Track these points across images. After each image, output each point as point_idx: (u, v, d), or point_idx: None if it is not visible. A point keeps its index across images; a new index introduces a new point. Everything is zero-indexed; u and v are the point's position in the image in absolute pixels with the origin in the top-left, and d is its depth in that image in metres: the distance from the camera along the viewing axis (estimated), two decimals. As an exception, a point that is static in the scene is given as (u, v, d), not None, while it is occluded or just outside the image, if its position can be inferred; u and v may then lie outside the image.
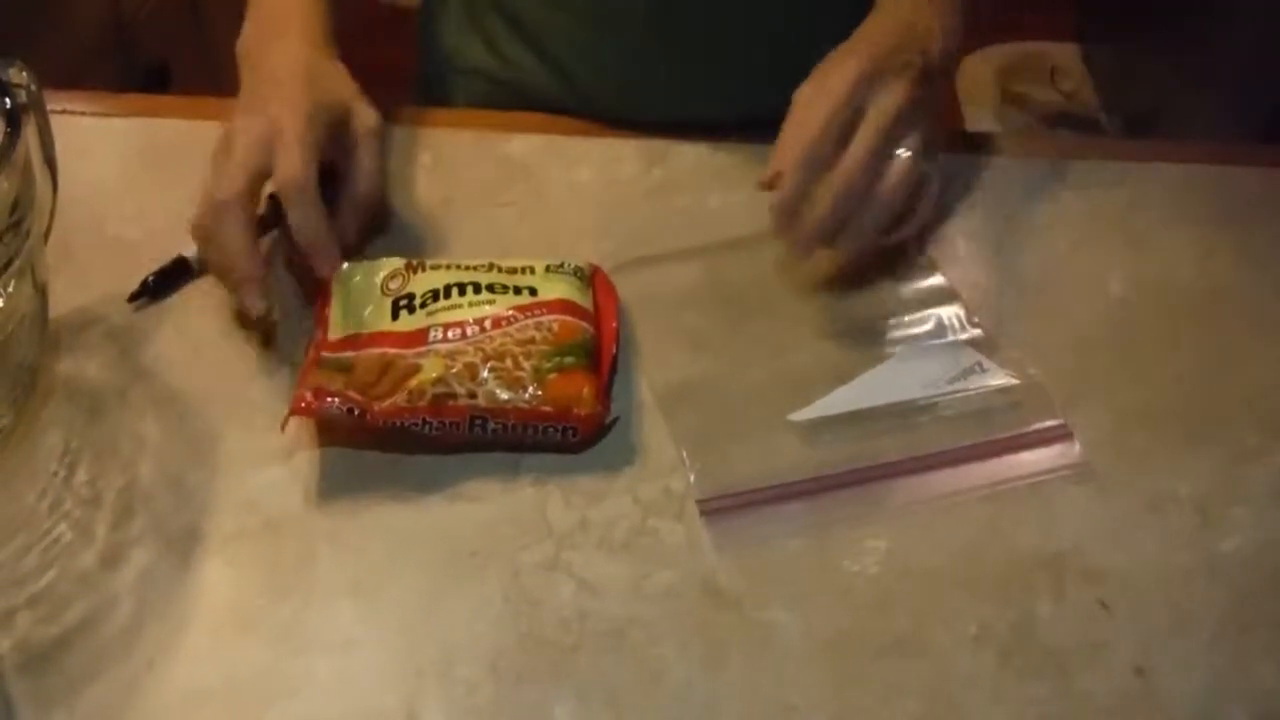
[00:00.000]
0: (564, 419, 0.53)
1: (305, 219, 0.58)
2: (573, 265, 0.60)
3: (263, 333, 0.59)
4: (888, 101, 0.58)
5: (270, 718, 0.45)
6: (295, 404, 0.52)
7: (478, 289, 0.57)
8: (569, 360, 0.55)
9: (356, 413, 0.52)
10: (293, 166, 0.57)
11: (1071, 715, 0.46)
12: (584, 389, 0.54)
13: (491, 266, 0.59)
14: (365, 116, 0.63)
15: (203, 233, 0.58)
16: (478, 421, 0.53)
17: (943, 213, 0.69)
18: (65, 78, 0.67)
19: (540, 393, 0.53)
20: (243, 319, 0.59)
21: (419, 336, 0.55)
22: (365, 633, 0.48)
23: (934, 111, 0.61)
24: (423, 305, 0.57)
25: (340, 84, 0.64)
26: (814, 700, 0.46)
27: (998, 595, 0.50)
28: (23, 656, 0.46)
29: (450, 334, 0.55)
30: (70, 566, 0.49)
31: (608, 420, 0.55)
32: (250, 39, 0.66)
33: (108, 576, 0.49)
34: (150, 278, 0.61)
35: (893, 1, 0.65)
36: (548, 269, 0.59)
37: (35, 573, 0.49)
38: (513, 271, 0.59)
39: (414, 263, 0.60)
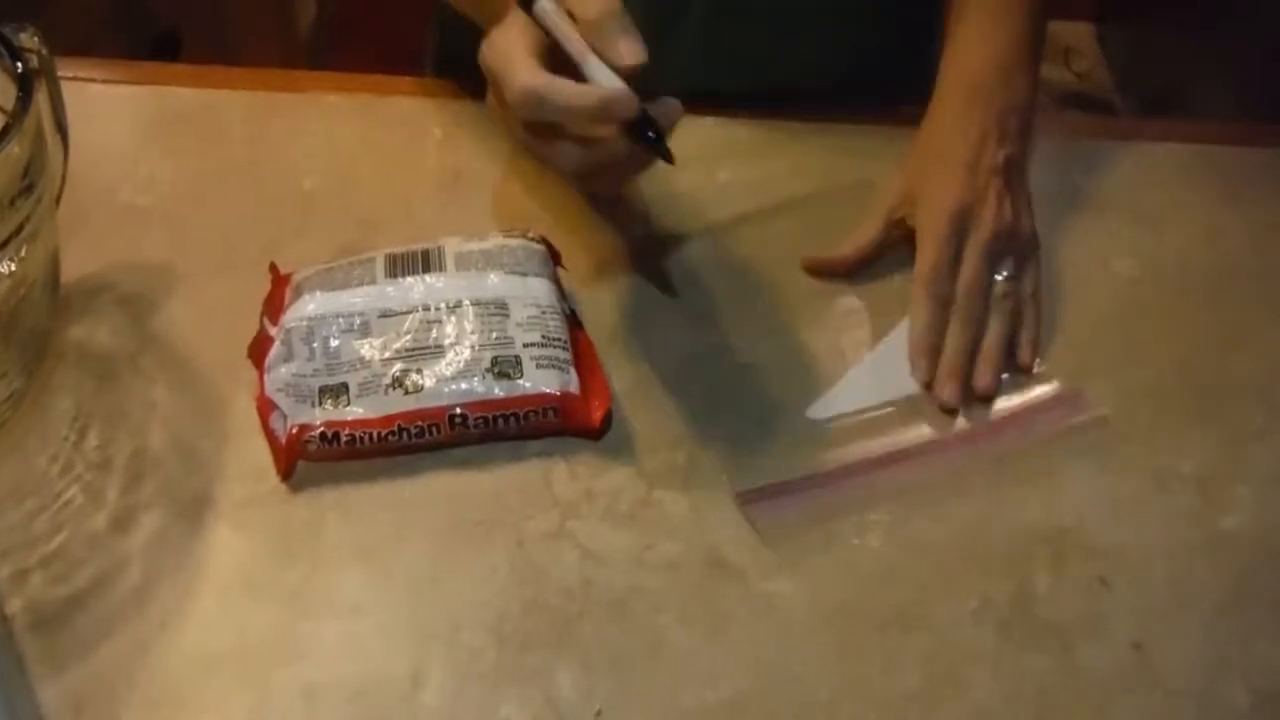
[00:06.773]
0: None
1: (566, 98, 0.51)
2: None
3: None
4: (982, 234, 0.60)
5: (278, 680, 0.46)
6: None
7: None
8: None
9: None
10: (522, 79, 0.51)
11: (1070, 688, 0.47)
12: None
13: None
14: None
15: (528, 113, 0.52)
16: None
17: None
18: (76, 45, 0.66)
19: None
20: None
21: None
22: (372, 598, 0.49)
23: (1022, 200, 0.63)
24: None
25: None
26: (816, 670, 0.47)
27: (999, 570, 0.50)
28: (34, 616, 0.47)
29: None
30: (81, 529, 0.50)
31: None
32: None
33: (118, 539, 0.50)
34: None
35: (971, 44, 0.65)
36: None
37: (46, 535, 0.50)
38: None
39: None
